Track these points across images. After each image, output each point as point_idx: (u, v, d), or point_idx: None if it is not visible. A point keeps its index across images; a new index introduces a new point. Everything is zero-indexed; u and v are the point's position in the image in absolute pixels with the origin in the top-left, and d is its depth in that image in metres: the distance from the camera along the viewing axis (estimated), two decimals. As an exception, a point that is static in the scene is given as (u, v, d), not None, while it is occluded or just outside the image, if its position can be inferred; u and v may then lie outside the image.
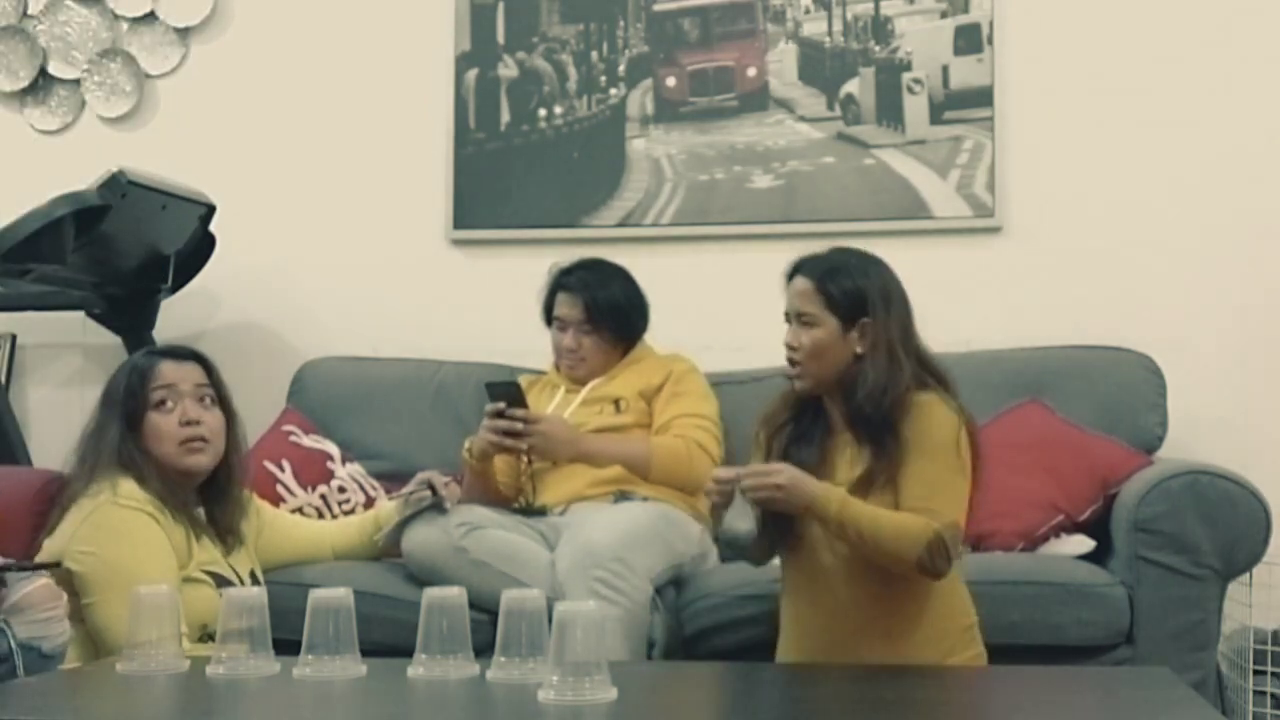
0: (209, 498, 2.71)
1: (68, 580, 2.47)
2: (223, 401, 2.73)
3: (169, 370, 2.68)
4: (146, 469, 2.61)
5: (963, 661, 2.46)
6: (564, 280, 3.26)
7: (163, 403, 2.65)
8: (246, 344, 3.90)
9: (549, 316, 3.28)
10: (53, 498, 2.70)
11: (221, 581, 2.59)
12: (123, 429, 2.64)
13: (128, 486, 2.58)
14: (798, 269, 2.56)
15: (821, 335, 2.49)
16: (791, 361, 2.51)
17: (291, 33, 4.05)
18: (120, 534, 2.53)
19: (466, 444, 3.09)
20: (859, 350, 2.49)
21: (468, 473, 3.09)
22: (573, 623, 1.87)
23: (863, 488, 2.42)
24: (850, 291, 2.51)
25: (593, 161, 3.86)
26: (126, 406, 2.65)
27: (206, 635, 2.47)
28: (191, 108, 4.09)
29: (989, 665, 2.50)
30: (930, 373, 2.53)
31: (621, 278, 3.27)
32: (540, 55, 3.90)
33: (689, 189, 3.80)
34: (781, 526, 2.48)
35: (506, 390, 3.03)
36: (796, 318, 2.53)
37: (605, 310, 3.21)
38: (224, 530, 2.70)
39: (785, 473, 2.40)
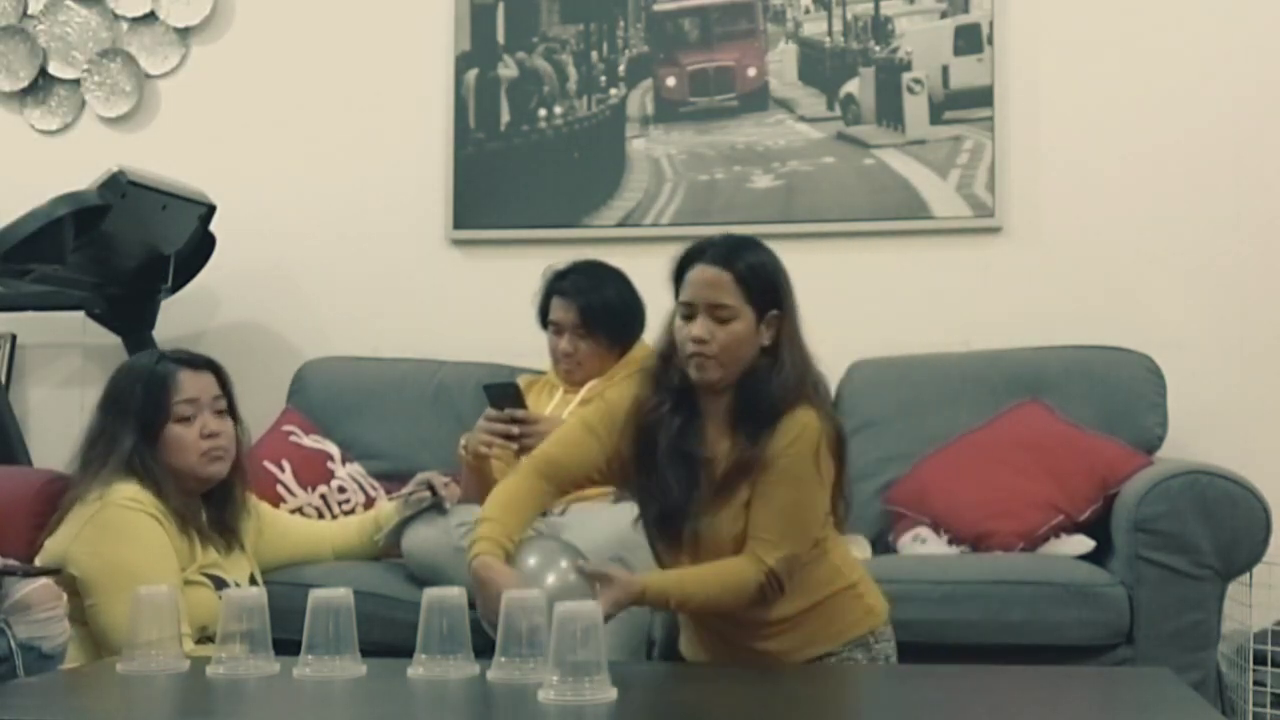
0: (213, 500, 2.71)
1: (70, 582, 2.48)
2: (231, 409, 2.73)
3: (189, 383, 2.66)
4: (163, 478, 2.60)
5: (855, 622, 2.41)
6: (558, 284, 3.24)
7: (186, 416, 2.64)
8: (246, 344, 3.90)
9: (544, 320, 3.27)
10: (53, 498, 2.70)
11: (220, 584, 2.59)
12: (138, 439, 2.61)
13: (130, 489, 2.57)
14: (700, 255, 2.40)
15: (740, 329, 2.35)
16: (700, 355, 2.35)
17: (291, 33, 4.05)
18: (123, 535, 2.53)
19: (463, 441, 3.08)
20: (764, 343, 2.37)
21: (465, 470, 3.09)
22: (572, 622, 1.87)
23: (734, 480, 2.34)
24: (765, 282, 2.37)
25: (593, 161, 3.86)
26: (144, 417, 2.62)
27: (205, 637, 2.47)
28: (191, 108, 4.09)
29: (989, 665, 2.50)
30: (814, 378, 2.43)
31: (617, 280, 3.26)
32: (540, 55, 3.90)
33: (689, 189, 3.81)
34: (666, 535, 2.43)
35: (504, 391, 3.02)
36: (709, 309, 2.35)
37: (600, 314, 3.20)
38: (225, 530, 2.70)
39: (611, 595, 2.24)
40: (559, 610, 1.88)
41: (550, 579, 2.28)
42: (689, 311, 2.38)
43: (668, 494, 2.39)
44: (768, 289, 2.37)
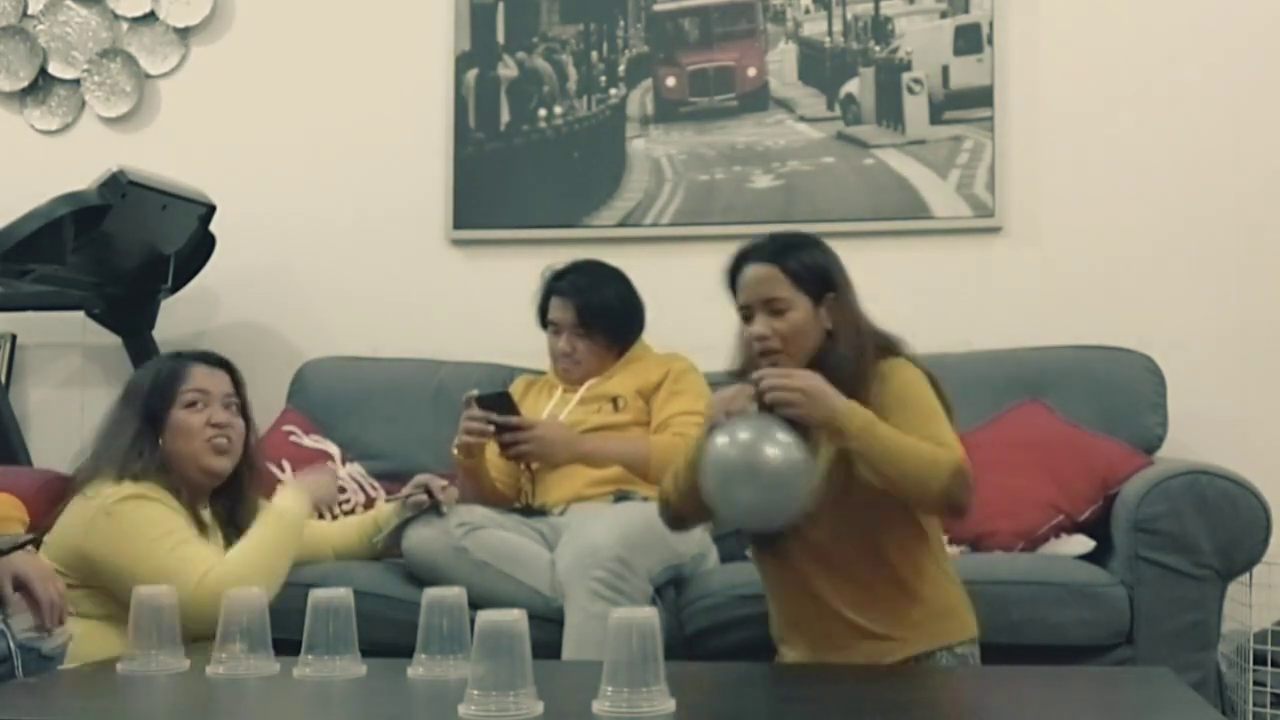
0: (223, 497, 2.71)
1: (83, 576, 2.49)
2: (244, 412, 2.73)
3: (202, 376, 2.68)
4: (167, 470, 2.60)
5: (956, 639, 2.41)
6: (556, 284, 3.25)
7: (193, 404, 2.65)
8: (246, 344, 3.89)
9: (543, 320, 3.28)
10: (53, 498, 2.70)
11: None
12: (142, 425, 2.62)
13: (141, 485, 2.56)
14: (746, 257, 2.44)
15: (798, 317, 2.38)
16: (768, 352, 2.37)
17: (291, 33, 4.05)
18: (137, 516, 2.53)
19: (454, 445, 3.07)
20: (828, 327, 2.40)
21: (460, 472, 3.09)
22: (627, 629, 1.79)
23: (842, 469, 2.33)
24: (813, 268, 2.41)
25: (593, 161, 3.86)
26: (150, 402, 2.64)
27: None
28: (191, 108, 4.09)
29: (988, 665, 2.50)
30: (885, 340, 2.44)
31: (615, 280, 3.27)
32: (540, 55, 3.90)
33: (689, 189, 3.81)
34: (763, 536, 2.42)
35: (497, 400, 3.02)
36: (764, 305, 2.39)
37: (598, 314, 3.21)
38: (235, 529, 2.69)
39: (811, 379, 2.27)
40: (613, 617, 1.82)
41: (770, 450, 2.19)
42: (747, 313, 2.42)
43: None
44: (817, 274, 2.41)
